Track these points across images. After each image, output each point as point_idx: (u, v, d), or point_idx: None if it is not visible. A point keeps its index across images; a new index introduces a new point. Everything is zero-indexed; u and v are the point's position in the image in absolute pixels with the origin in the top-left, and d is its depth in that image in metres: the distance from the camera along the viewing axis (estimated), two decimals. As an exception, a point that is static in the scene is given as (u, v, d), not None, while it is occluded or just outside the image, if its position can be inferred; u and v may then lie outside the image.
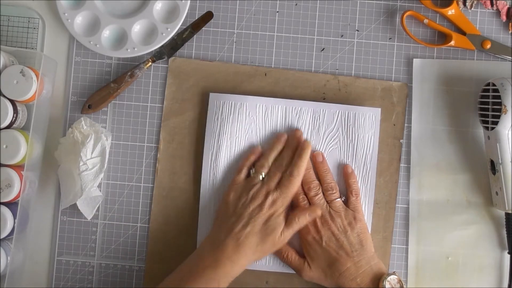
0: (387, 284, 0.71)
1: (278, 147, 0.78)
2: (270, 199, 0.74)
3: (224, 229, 0.73)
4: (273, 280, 0.79)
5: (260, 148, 0.78)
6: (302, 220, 0.74)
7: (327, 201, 0.76)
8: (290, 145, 0.78)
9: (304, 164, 0.76)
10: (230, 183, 0.77)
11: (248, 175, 0.77)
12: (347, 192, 0.77)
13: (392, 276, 0.72)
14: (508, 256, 0.77)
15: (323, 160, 0.78)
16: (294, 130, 0.78)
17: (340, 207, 0.76)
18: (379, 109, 0.80)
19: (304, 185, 0.77)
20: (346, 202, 0.77)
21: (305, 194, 0.77)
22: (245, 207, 0.74)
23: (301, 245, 0.77)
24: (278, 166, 0.76)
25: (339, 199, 0.76)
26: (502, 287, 0.78)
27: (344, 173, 0.78)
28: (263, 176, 0.76)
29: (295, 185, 0.75)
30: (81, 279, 0.80)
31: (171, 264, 0.79)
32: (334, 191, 0.76)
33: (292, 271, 0.78)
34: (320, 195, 0.76)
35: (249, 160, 0.78)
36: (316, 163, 0.78)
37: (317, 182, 0.77)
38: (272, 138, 0.79)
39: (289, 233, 0.74)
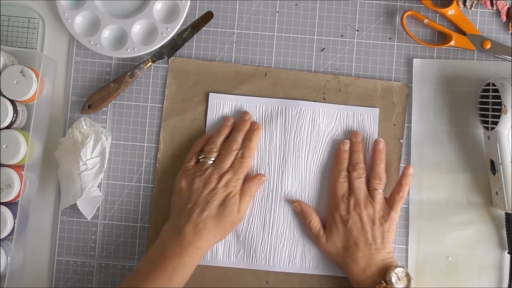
0: (393, 276, 0.71)
1: (225, 131, 0.78)
2: (223, 181, 0.75)
3: (182, 216, 0.74)
4: (273, 280, 0.79)
5: (209, 135, 0.79)
6: (253, 190, 0.77)
7: (369, 188, 0.76)
8: (239, 128, 0.78)
9: (254, 145, 0.78)
10: (181, 170, 0.78)
11: (198, 161, 0.78)
12: (394, 189, 0.76)
13: (399, 269, 0.72)
14: (508, 256, 0.77)
15: (383, 149, 0.78)
16: (242, 114, 0.79)
17: (379, 199, 0.75)
18: (377, 109, 0.80)
19: (350, 165, 0.77)
20: (388, 198, 0.77)
21: (348, 172, 0.77)
22: (200, 192, 0.74)
23: (327, 217, 0.77)
24: (228, 149, 0.77)
25: (381, 191, 0.76)
26: (502, 287, 0.78)
27: (403, 172, 0.77)
28: (213, 160, 0.76)
29: (247, 167, 0.77)
30: (81, 279, 0.80)
31: (171, 264, 0.79)
32: (380, 181, 0.76)
33: (292, 271, 0.78)
34: (363, 179, 0.76)
35: (198, 147, 0.78)
36: (375, 150, 0.78)
37: (363, 165, 0.77)
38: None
39: (245, 207, 0.76)
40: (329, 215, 0.77)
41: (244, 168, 0.76)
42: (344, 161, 0.77)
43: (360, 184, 0.76)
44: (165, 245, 0.73)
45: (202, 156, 0.77)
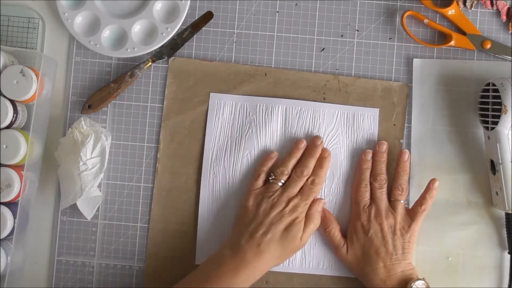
0: None
1: (297, 155, 0.78)
2: (291, 205, 0.74)
3: (245, 235, 0.73)
4: (273, 280, 0.79)
5: (276, 153, 0.78)
6: (317, 218, 0.76)
7: (390, 199, 0.76)
8: (311, 153, 0.77)
9: (324, 173, 0.77)
10: (248, 189, 0.77)
11: (266, 180, 0.77)
12: (417, 201, 0.76)
13: (419, 281, 0.72)
14: (508, 256, 0.77)
15: (408, 160, 0.77)
16: (314, 138, 0.78)
17: (401, 210, 0.76)
18: (377, 109, 0.80)
19: (372, 175, 0.77)
20: (410, 210, 0.76)
21: (370, 183, 0.77)
22: (266, 213, 0.74)
23: (348, 226, 0.77)
24: (299, 174, 0.76)
25: (403, 202, 0.76)
26: (502, 287, 0.78)
27: (428, 185, 0.76)
28: (282, 183, 0.76)
29: (316, 193, 0.76)
30: (81, 279, 0.80)
31: (171, 264, 0.79)
32: (403, 192, 0.76)
33: (292, 271, 0.78)
34: (385, 189, 0.76)
35: (266, 166, 0.78)
36: (400, 161, 0.77)
37: (385, 176, 0.77)
38: (291, 144, 0.79)
39: (308, 234, 0.75)
40: (351, 224, 0.77)
41: (313, 195, 0.76)
42: (366, 171, 0.77)
43: (381, 195, 0.76)
44: (222, 260, 0.73)
45: (273, 177, 0.77)
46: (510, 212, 0.75)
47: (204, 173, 0.79)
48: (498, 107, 0.74)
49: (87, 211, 0.78)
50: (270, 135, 0.80)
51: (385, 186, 0.76)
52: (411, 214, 0.76)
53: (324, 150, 0.78)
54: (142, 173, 0.81)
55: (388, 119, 0.80)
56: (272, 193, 0.75)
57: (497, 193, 0.76)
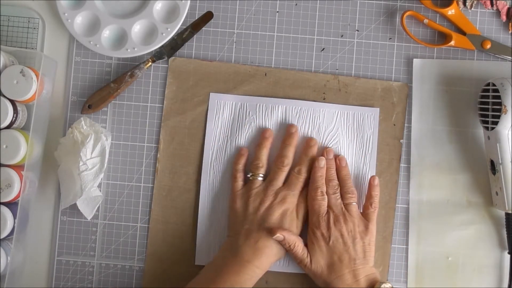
0: None
1: (266, 144, 0.78)
2: (279, 197, 0.74)
3: (241, 235, 0.74)
4: (273, 280, 0.79)
5: (246, 149, 0.78)
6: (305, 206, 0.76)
7: (344, 203, 0.76)
8: (288, 142, 0.77)
9: (311, 162, 0.77)
10: (232, 192, 0.77)
11: (246, 179, 0.77)
12: (365, 202, 0.77)
13: (385, 284, 0.72)
14: (508, 256, 0.77)
15: (346, 165, 0.78)
16: (288, 126, 0.78)
17: (356, 213, 0.76)
18: (378, 109, 0.80)
19: (325, 182, 0.77)
20: (362, 213, 0.77)
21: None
22: (256, 210, 0.74)
23: (307, 237, 0.76)
24: (279, 164, 0.76)
25: (356, 204, 0.76)
26: (502, 287, 0.78)
27: (369, 183, 0.77)
28: (262, 177, 0.76)
29: (303, 183, 0.76)
30: (81, 279, 0.80)
31: (171, 264, 0.79)
32: (353, 195, 0.76)
33: (292, 271, 0.78)
34: (338, 194, 0.76)
35: (239, 164, 0.78)
36: (339, 167, 0.78)
37: (337, 182, 0.77)
38: (257, 136, 0.79)
39: (302, 223, 0.75)
40: (310, 234, 0.75)
41: (300, 184, 0.76)
42: (320, 179, 0.76)
43: (336, 200, 0.76)
44: (223, 264, 0.73)
45: (251, 174, 0.77)
46: (510, 212, 0.75)
47: (204, 173, 0.79)
48: (498, 107, 0.74)
49: (87, 211, 0.78)
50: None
51: (338, 190, 0.76)
52: (365, 216, 0.76)
53: (310, 139, 0.78)
54: (142, 173, 0.81)
55: (388, 119, 0.80)
56: (256, 189, 0.75)
57: (497, 193, 0.76)
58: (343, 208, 0.75)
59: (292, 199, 0.75)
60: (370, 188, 0.77)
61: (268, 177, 0.76)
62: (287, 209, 0.74)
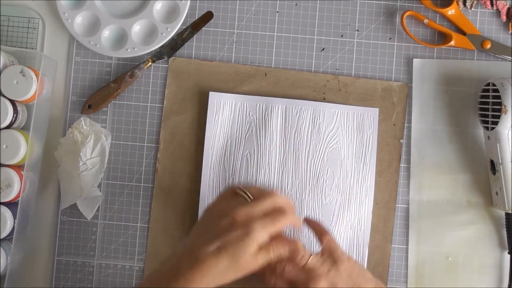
0: None
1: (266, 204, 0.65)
2: (247, 216, 0.62)
3: (194, 238, 0.65)
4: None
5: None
6: (280, 249, 0.63)
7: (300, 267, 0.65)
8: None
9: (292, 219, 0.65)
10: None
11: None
12: (317, 239, 0.69)
13: None
14: (508, 256, 0.77)
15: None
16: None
17: (316, 263, 0.65)
18: (377, 109, 0.80)
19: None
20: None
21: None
22: (220, 219, 0.63)
23: None
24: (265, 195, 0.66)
25: (310, 255, 0.65)
26: (502, 287, 0.78)
27: (315, 229, 0.69)
28: (249, 197, 0.66)
29: (284, 224, 0.63)
30: (81, 279, 0.80)
31: (171, 264, 0.79)
32: (302, 253, 0.65)
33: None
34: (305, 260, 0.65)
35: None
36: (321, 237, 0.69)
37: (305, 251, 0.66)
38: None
39: (263, 258, 0.61)
40: None
41: (280, 223, 0.64)
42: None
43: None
44: (177, 264, 0.62)
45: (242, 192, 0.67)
46: (510, 212, 0.75)
47: (204, 173, 0.79)
48: (498, 107, 0.74)
49: (87, 211, 0.78)
50: (270, 135, 0.80)
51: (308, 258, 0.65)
52: (324, 249, 0.67)
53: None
54: (142, 173, 0.81)
55: (388, 119, 0.80)
56: (236, 204, 0.65)
57: (497, 193, 0.76)
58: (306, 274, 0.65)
59: (263, 225, 0.62)
60: (319, 235, 0.68)
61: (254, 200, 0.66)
62: (251, 230, 0.62)
